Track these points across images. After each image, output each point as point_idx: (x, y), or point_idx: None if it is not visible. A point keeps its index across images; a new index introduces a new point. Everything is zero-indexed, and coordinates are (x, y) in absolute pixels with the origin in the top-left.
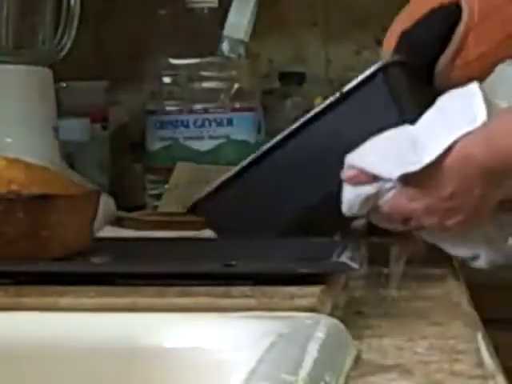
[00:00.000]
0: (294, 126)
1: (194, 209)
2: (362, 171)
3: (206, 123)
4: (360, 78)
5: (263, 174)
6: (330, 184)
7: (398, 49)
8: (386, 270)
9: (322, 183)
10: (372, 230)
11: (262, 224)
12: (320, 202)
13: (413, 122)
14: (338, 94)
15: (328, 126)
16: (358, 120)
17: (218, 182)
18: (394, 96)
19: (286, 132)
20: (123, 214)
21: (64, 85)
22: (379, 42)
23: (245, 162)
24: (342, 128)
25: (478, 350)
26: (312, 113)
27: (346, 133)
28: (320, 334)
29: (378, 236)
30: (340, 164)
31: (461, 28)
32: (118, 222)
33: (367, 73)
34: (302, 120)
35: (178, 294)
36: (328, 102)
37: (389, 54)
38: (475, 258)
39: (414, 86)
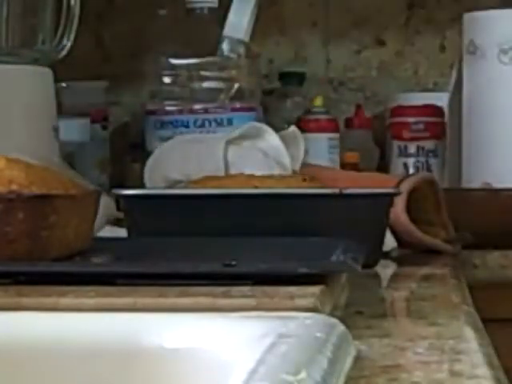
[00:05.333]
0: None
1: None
2: None
3: (206, 123)
4: None
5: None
6: None
7: None
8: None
9: None
10: None
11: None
12: None
13: None
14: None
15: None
16: None
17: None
18: None
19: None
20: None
21: (64, 85)
22: (379, 42)
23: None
24: None
25: (477, 350)
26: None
27: None
28: (320, 334)
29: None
30: None
31: None
32: (117, 222)
33: None
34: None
35: (178, 294)
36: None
37: None
38: None
39: None
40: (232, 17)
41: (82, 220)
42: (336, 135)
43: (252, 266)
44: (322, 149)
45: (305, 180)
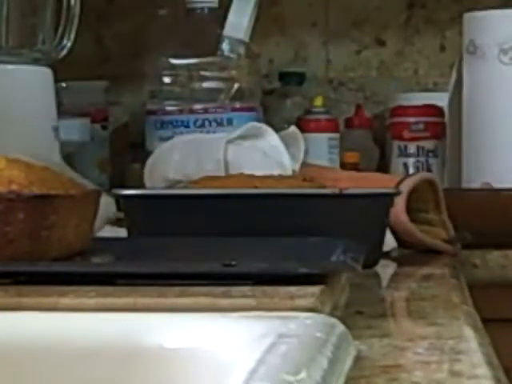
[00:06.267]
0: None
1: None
2: None
3: (206, 123)
4: None
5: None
6: None
7: None
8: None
9: None
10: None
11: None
12: None
13: None
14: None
15: None
16: None
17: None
18: None
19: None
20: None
21: (64, 85)
22: (379, 42)
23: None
24: None
25: (477, 350)
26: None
27: None
28: (320, 334)
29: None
30: None
31: None
32: (117, 222)
33: None
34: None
35: (178, 294)
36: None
37: None
38: None
39: None
40: (232, 17)
41: (82, 220)
42: (336, 135)
43: (252, 266)
44: (322, 149)
45: (305, 180)
